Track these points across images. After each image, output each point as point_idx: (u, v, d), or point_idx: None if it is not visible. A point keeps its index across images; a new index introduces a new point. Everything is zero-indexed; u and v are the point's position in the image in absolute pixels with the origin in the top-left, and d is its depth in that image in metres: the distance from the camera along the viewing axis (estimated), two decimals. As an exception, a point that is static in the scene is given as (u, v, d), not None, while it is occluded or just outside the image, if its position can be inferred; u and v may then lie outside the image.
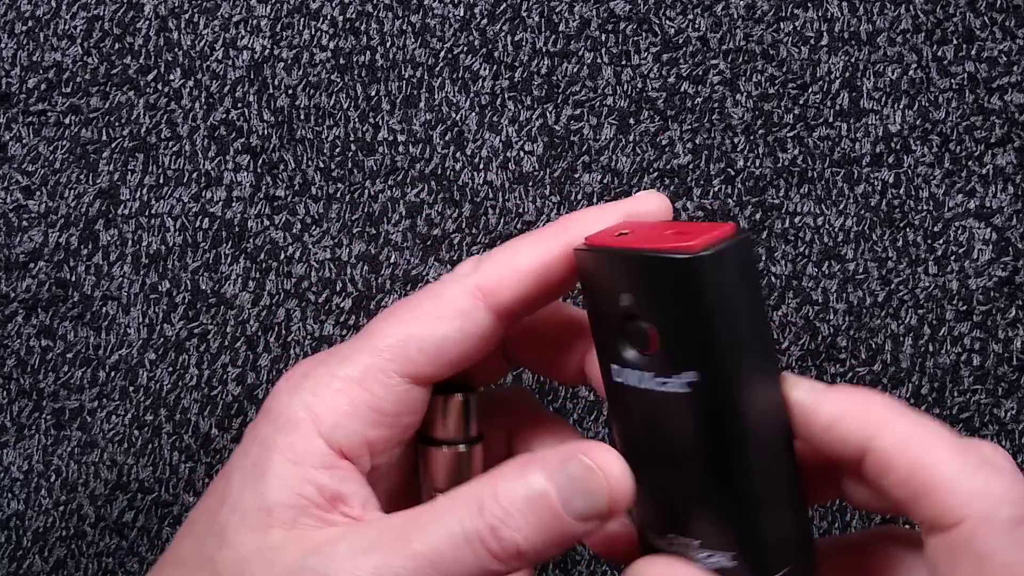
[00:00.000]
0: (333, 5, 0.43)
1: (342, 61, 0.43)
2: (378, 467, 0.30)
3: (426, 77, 0.43)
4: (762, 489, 0.27)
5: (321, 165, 0.43)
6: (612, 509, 0.27)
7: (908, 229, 0.43)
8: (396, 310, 0.31)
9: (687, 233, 0.27)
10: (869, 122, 0.43)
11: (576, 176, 0.43)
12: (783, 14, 0.43)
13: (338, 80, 0.43)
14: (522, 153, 0.43)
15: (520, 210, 0.43)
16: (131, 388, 0.43)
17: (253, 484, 0.29)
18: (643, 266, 0.27)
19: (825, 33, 0.43)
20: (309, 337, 0.43)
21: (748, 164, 0.43)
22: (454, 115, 0.43)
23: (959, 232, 0.42)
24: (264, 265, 0.43)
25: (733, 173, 0.43)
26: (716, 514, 0.28)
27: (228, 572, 0.28)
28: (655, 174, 0.43)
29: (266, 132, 0.43)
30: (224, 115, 0.43)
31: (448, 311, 0.30)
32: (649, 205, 0.30)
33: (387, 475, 0.31)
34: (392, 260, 0.43)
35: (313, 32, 0.43)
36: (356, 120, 0.43)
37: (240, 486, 0.29)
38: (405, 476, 0.32)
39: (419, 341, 0.30)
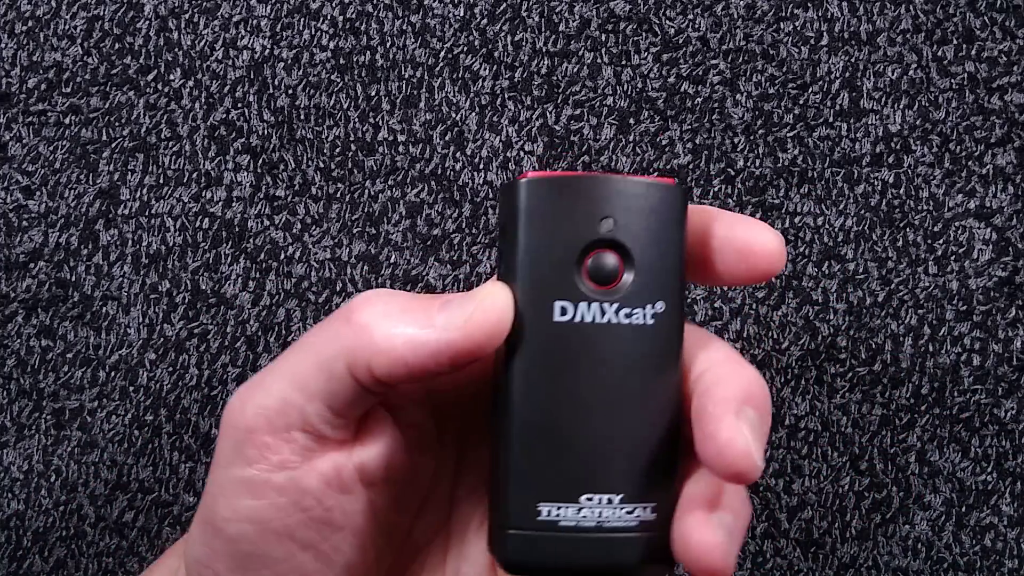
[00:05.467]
0: (333, 5, 0.43)
1: (342, 61, 0.43)
2: None
3: (426, 77, 0.43)
4: (681, 432, 0.27)
5: (321, 165, 0.43)
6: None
7: (908, 229, 0.43)
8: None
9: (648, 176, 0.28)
10: (869, 122, 0.43)
11: (576, 176, 0.43)
12: (783, 14, 0.43)
13: (338, 80, 0.43)
14: (522, 153, 0.43)
15: (520, 210, 0.43)
16: (131, 388, 0.43)
17: None
18: (636, 191, 0.27)
19: (825, 33, 0.43)
20: (309, 337, 0.43)
21: (748, 164, 0.43)
22: (454, 115, 0.43)
23: (959, 232, 0.42)
24: (264, 265, 0.43)
25: (733, 173, 0.43)
26: (648, 460, 0.27)
27: None
28: (655, 174, 0.43)
29: (266, 132, 0.43)
30: (224, 115, 0.43)
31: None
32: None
33: None
34: (392, 260, 0.43)
35: (313, 32, 0.43)
36: (356, 120, 0.43)
37: None
38: None
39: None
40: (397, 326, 0.27)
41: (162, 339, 0.43)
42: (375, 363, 0.27)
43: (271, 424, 0.28)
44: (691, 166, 0.43)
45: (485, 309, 0.27)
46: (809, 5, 0.43)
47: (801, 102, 0.43)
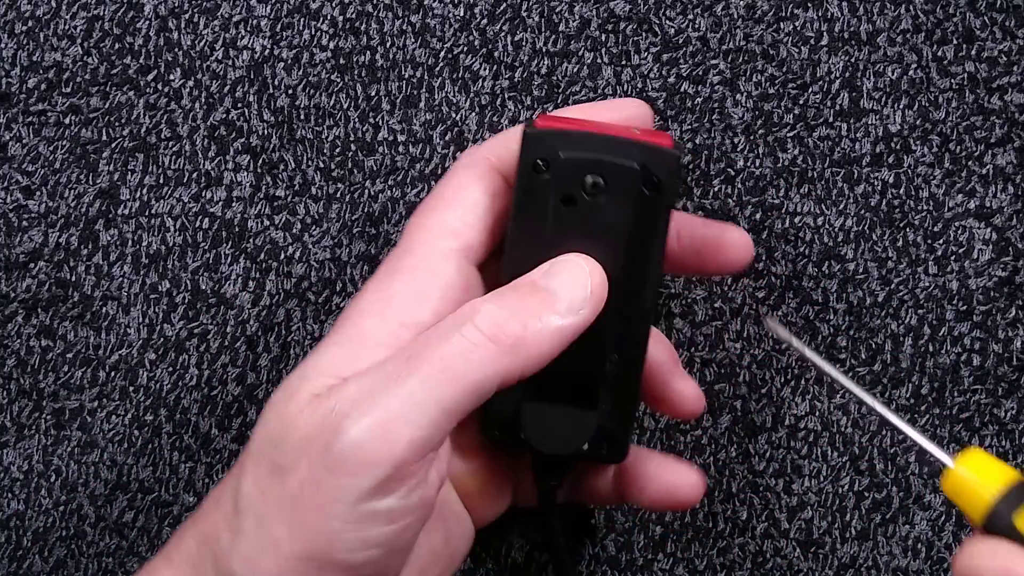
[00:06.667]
0: (333, 5, 0.43)
1: (342, 61, 0.43)
2: None
3: (426, 77, 0.43)
4: None
5: (321, 165, 0.43)
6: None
7: (908, 229, 0.43)
8: (422, 209, 0.34)
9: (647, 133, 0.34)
10: (869, 122, 0.43)
11: (576, 176, 0.43)
12: (783, 14, 0.43)
13: (338, 80, 0.43)
14: (522, 153, 0.43)
15: (520, 210, 0.43)
16: (131, 388, 0.43)
17: None
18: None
19: (825, 33, 0.43)
20: (309, 337, 0.43)
21: (748, 164, 0.43)
22: (454, 115, 0.43)
23: (959, 232, 0.42)
24: (264, 265, 0.43)
25: (733, 173, 0.43)
26: None
27: None
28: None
29: (266, 132, 0.43)
30: (224, 115, 0.43)
31: (470, 181, 0.33)
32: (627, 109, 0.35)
33: None
34: (392, 260, 0.43)
35: (313, 32, 0.43)
36: (356, 120, 0.43)
37: None
38: None
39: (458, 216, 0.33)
40: (540, 323, 0.29)
41: (162, 339, 0.43)
42: (529, 370, 0.29)
43: (420, 454, 0.27)
44: (691, 166, 0.43)
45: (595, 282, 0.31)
46: (809, 5, 0.43)
47: (801, 102, 0.43)
